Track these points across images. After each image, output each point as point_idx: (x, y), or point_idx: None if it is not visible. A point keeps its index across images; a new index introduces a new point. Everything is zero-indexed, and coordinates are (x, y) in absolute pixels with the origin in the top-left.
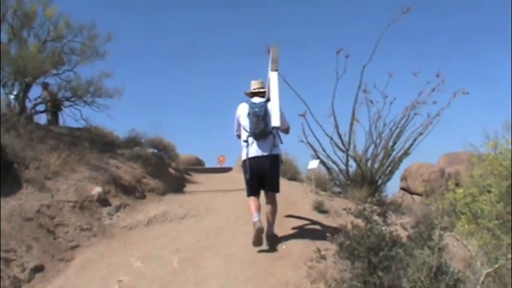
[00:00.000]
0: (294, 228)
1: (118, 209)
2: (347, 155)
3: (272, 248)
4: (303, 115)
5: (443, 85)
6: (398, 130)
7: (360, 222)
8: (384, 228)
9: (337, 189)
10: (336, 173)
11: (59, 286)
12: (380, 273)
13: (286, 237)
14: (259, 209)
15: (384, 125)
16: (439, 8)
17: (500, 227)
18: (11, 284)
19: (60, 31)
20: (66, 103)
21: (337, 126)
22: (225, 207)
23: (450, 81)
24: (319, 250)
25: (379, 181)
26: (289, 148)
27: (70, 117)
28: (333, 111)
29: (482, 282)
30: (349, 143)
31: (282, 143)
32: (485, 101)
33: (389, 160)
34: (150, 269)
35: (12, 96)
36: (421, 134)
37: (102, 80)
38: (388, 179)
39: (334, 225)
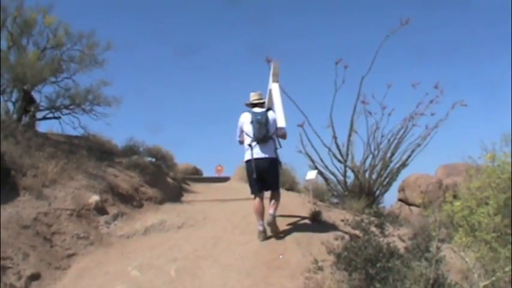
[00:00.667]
0: (291, 239)
1: (115, 217)
2: (345, 166)
3: (274, 231)
4: (301, 125)
5: (442, 96)
6: (396, 141)
7: (357, 233)
8: (381, 239)
9: (335, 200)
10: (334, 184)
11: None
12: (377, 285)
13: (284, 248)
14: (263, 214)
15: (382, 136)
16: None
17: (498, 240)
18: None
19: (59, 39)
20: (65, 111)
21: (335, 137)
22: (223, 216)
23: (449, 93)
24: (316, 261)
25: (377, 192)
26: (287, 158)
27: (68, 125)
28: (331, 121)
29: None
30: (347, 154)
31: (281, 146)
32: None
33: (387, 171)
34: (147, 278)
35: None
36: (419, 145)
37: (100, 88)
38: (386, 190)
39: (332, 236)
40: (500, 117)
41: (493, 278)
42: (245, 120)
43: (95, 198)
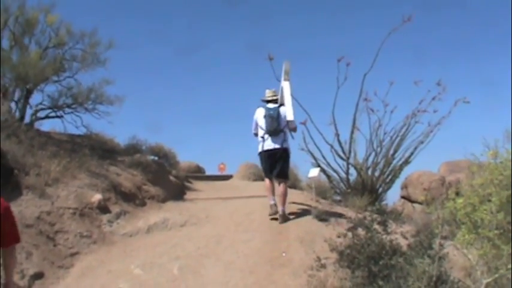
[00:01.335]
0: (294, 237)
1: (118, 216)
2: (347, 163)
3: (283, 221)
4: (303, 123)
5: (444, 93)
6: (399, 138)
7: (360, 230)
8: (384, 237)
9: (338, 198)
10: (337, 181)
11: None
12: (380, 282)
13: (287, 246)
14: (273, 191)
15: (385, 133)
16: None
17: (501, 237)
18: None
19: (61, 38)
20: (67, 110)
21: (337, 134)
22: (225, 214)
23: (451, 89)
24: (319, 258)
25: (380, 189)
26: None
27: (71, 124)
28: (333, 119)
29: None
30: (350, 151)
31: (293, 138)
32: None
33: (390, 168)
34: (150, 276)
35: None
36: (421, 142)
37: (103, 87)
38: (389, 188)
39: (335, 233)
40: (502, 114)
41: (496, 275)
42: (259, 115)
43: (97, 196)
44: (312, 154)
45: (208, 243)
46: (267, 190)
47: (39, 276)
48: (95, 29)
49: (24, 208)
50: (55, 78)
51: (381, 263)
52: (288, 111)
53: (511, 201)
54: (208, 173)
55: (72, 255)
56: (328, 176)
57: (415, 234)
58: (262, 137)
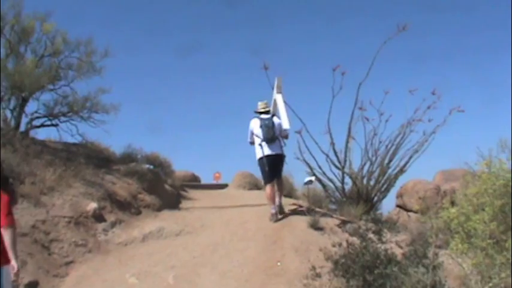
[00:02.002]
0: (289, 246)
1: (113, 224)
2: (343, 172)
3: (281, 213)
4: (298, 132)
5: (439, 102)
6: (394, 147)
7: (355, 239)
8: (379, 246)
9: (333, 207)
10: (332, 190)
11: None
12: None
13: (282, 255)
14: (274, 200)
15: (380, 142)
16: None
17: (494, 246)
18: None
19: (57, 46)
20: (63, 118)
21: (333, 144)
22: (221, 223)
23: (446, 98)
24: (314, 268)
25: (375, 198)
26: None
27: (66, 133)
28: (328, 128)
29: None
30: (345, 160)
31: (285, 145)
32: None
33: (385, 177)
34: (145, 285)
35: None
36: (416, 151)
37: (98, 96)
38: (384, 197)
39: (330, 242)
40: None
41: (490, 285)
42: (255, 125)
43: (92, 205)
44: (307, 163)
45: (203, 252)
46: (268, 198)
47: (34, 285)
48: (91, 38)
49: (20, 217)
50: (51, 86)
51: (375, 272)
52: (283, 121)
53: (505, 211)
54: (203, 181)
55: (67, 264)
56: (324, 185)
57: (410, 243)
58: (260, 144)
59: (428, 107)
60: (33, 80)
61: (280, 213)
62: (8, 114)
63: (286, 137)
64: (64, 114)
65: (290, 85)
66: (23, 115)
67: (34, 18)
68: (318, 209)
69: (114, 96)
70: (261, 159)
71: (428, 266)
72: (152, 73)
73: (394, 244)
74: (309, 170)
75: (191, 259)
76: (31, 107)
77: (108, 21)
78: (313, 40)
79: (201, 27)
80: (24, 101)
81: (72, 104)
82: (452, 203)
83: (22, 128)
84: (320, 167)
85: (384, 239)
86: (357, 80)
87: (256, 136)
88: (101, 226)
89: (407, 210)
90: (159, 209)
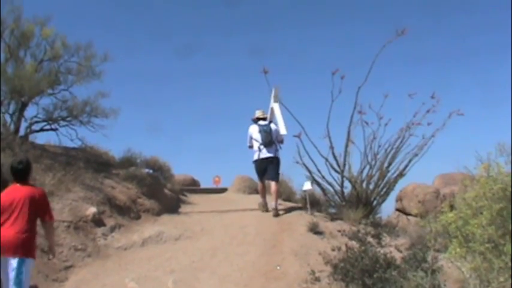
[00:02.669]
0: (288, 250)
1: (113, 229)
2: (342, 176)
3: (276, 215)
4: (298, 136)
5: (438, 105)
6: (393, 151)
7: (354, 243)
8: (378, 250)
9: (333, 211)
10: (331, 194)
11: None
12: None
13: (281, 259)
14: (265, 193)
15: (379, 146)
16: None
17: (492, 250)
18: None
19: (56, 51)
20: (62, 123)
21: (332, 147)
22: (220, 228)
23: (445, 102)
24: (313, 271)
25: (374, 202)
26: (284, 169)
27: (66, 137)
28: (328, 132)
29: None
30: (344, 164)
31: (280, 148)
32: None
33: (385, 181)
34: None
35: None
36: (416, 155)
37: (98, 100)
38: (383, 200)
39: (329, 246)
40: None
41: None
42: (254, 131)
43: (92, 210)
44: (306, 167)
45: (203, 256)
46: (260, 191)
47: None
48: (90, 42)
49: None
50: (50, 91)
51: (375, 276)
52: (281, 128)
53: (502, 215)
54: (203, 186)
55: (67, 268)
56: (323, 189)
57: (409, 247)
58: (259, 148)
59: (428, 111)
60: (32, 85)
61: (276, 216)
62: (8, 118)
63: (281, 142)
64: (63, 119)
65: (289, 89)
66: (23, 119)
67: (33, 23)
68: (317, 213)
69: (114, 100)
70: (256, 161)
71: (427, 270)
72: (151, 76)
73: (394, 248)
74: (308, 174)
75: (191, 263)
76: (30, 111)
77: (107, 25)
78: (312, 44)
79: (200, 30)
80: (24, 105)
81: (71, 109)
82: (452, 207)
83: (21, 132)
84: (319, 171)
85: (383, 243)
86: (356, 83)
87: (255, 140)
88: (100, 230)
89: (407, 214)
90: (159, 214)
